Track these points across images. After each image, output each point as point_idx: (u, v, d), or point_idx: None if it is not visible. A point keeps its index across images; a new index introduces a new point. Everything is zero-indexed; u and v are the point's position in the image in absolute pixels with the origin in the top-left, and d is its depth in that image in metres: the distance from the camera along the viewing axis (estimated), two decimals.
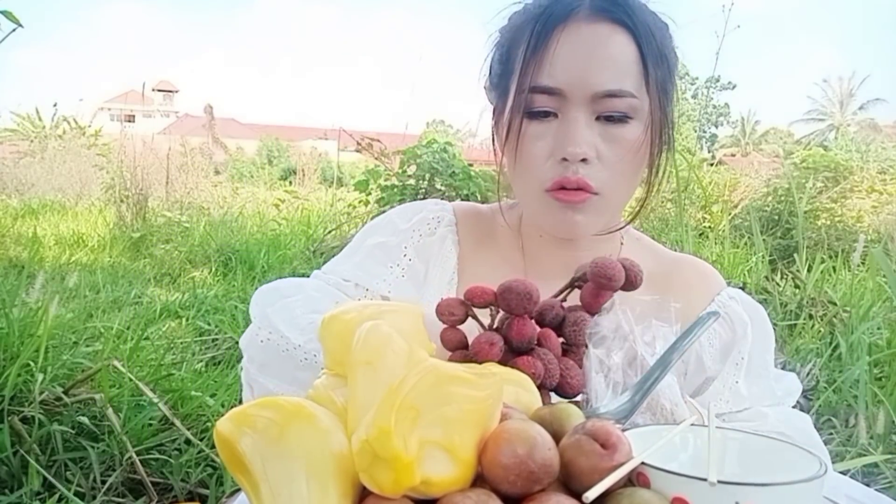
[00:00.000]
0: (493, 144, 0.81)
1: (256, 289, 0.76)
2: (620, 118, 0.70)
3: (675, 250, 0.90)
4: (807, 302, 3.02)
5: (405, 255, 0.80)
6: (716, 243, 4.01)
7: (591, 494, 0.33)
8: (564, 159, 0.69)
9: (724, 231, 4.04)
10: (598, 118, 0.70)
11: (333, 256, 0.85)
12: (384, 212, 0.90)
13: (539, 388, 0.49)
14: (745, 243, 4.15)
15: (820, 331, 2.82)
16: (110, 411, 1.76)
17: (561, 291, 0.61)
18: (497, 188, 0.83)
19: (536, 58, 0.69)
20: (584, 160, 0.69)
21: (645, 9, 0.71)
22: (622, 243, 0.82)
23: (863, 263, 3.23)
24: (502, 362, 0.52)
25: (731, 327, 0.76)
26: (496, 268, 0.79)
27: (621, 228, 0.81)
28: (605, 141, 0.70)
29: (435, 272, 0.80)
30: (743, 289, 0.89)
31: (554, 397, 0.55)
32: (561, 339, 0.58)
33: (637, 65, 0.69)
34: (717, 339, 0.76)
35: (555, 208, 0.71)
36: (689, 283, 0.79)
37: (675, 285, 0.78)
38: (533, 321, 0.54)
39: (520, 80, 0.70)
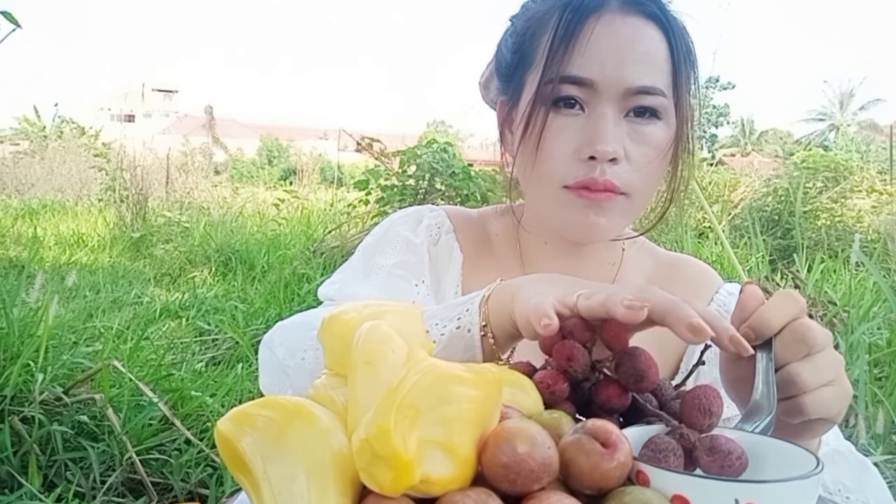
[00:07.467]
0: (501, 142, 0.76)
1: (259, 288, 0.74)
2: (649, 116, 0.66)
3: (674, 251, 0.88)
4: (807, 302, 3.01)
5: (425, 270, 0.76)
6: (716, 243, 4.01)
7: None
8: (592, 157, 0.64)
9: (723, 231, 4.04)
10: (626, 115, 0.66)
11: (333, 257, 0.83)
12: (385, 213, 0.87)
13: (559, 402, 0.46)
14: (745, 243, 4.15)
15: None
16: (110, 411, 1.77)
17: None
18: (509, 189, 0.77)
19: (567, 46, 0.64)
20: (612, 160, 0.64)
21: (670, 6, 0.68)
22: (623, 249, 0.78)
23: (860, 264, 3.23)
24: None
25: None
26: (495, 278, 0.76)
27: (634, 237, 0.77)
28: (634, 140, 0.65)
29: (445, 285, 0.76)
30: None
31: None
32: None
33: (668, 63, 0.66)
34: None
35: (576, 207, 0.66)
36: (688, 284, 0.77)
37: (675, 287, 0.76)
38: (623, 389, 0.45)
39: (546, 70, 0.65)
